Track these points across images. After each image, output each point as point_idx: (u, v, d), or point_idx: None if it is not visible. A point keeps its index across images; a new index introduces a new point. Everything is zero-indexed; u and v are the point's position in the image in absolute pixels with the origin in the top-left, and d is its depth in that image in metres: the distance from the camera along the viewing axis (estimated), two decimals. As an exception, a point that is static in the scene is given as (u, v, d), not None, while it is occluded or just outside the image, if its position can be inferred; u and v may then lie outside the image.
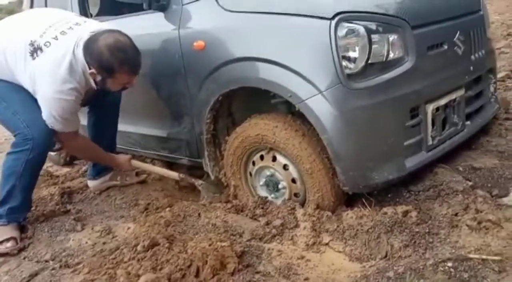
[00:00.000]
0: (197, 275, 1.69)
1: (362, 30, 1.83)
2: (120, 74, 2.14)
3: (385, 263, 1.68)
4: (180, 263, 1.73)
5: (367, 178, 1.92)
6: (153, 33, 2.41)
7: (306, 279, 1.68)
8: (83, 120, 2.58)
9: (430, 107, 2.04)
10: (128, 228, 2.24)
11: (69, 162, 3.50)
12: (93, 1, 3.25)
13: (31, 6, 3.30)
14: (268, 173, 2.22)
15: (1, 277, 2.02)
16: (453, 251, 1.65)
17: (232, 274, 1.69)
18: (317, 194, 2.02)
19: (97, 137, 2.62)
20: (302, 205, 2.11)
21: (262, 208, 2.15)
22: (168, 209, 2.31)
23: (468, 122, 2.31)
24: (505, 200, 1.94)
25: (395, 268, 1.63)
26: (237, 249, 1.79)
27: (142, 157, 2.99)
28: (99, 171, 2.79)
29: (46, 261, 2.08)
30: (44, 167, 2.72)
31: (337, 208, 2.06)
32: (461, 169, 2.21)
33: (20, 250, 2.19)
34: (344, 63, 1.83)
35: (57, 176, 3.16)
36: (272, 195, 2.24)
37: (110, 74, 2.13)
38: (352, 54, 1.84)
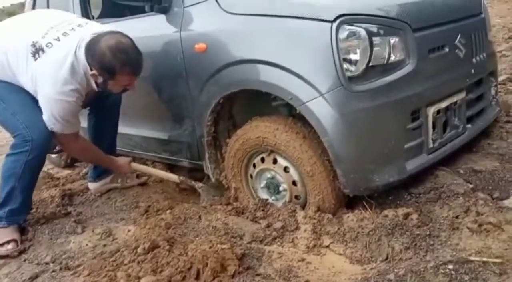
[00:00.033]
0: (197, 277, 1.69)
1: (363, 32, 1.83)
2: (121, 76, 2.13)
3: (386, 266, 1.68)
4: (180, 266, 1.73)
5: (368, 181, 1.92)
6: (155, 35, 2.42)
7: (307, 281, 1.67)
8: (84, 122, 2.58)
9: (431, 110, 2.04)
10: (129, 230, 2.24)
11: (70, 164, 3.50)
12: (95, 3, 3.25)
13: (33, 8, 3.31)
14: (268, 175, 2.22)
15: (2, 279, 2.02)
16: (454, 253, 1.64)
17: (233, 276, 1.69)
18: (317, 196, 2.02)
19: (97, 140, 2.62)
20: (303, 207, 2.10)
21: (263, 210, 2.15)
22: (168, 211, 2.32)
23: (469, 125, 2.31)
24: (506, 203, 1.94)
25: (396, 270, 1.62)
26: (237, 252, 1.79)
27: (142, 159, 2.99)
28: (99, 173, 2.79)
29: (47, 263, 2.08)
30: (45, 169, 2.73)
31: (337, 210, 2.06)
32: (462, 171, 2.21)
33: (21, 252, 2.19)
34: (345, 65, 1.83)
35: (58, 178, 3.16)
36: (273, 197, 2.24)
37: (111, 76, 2.13)
38: (353, 56, 1.84)
